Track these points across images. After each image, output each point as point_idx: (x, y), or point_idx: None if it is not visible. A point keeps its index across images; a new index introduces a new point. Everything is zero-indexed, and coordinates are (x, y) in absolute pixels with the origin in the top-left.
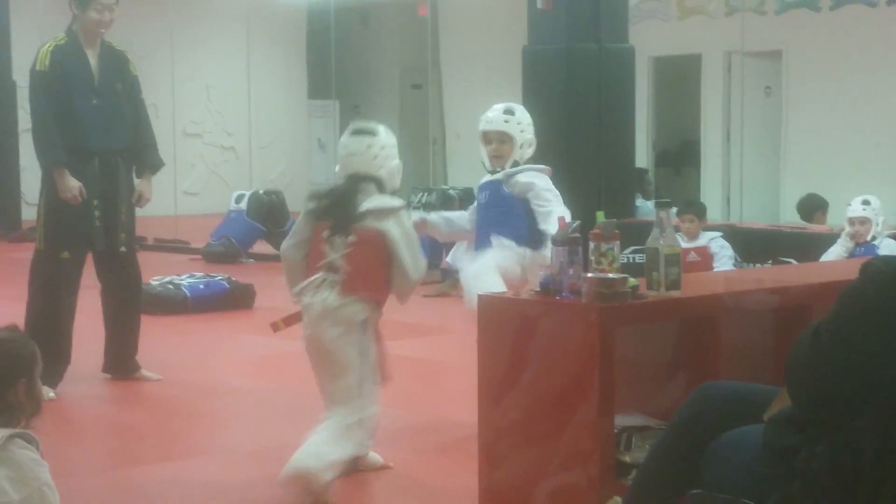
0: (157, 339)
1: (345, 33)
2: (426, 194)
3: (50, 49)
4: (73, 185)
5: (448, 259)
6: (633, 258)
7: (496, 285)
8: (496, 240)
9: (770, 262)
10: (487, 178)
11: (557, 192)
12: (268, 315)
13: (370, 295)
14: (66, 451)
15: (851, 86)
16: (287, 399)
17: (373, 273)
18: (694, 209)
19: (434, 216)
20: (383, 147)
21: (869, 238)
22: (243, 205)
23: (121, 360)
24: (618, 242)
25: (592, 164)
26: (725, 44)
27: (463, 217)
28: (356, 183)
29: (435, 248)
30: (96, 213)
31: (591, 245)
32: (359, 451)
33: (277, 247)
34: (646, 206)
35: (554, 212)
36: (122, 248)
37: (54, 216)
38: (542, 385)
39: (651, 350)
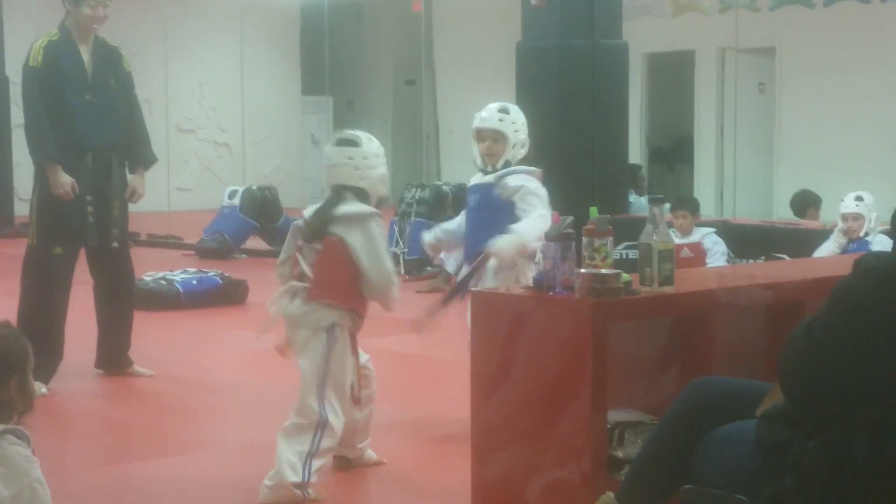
0: (150, 335)
1: (338, 29)
2: (419, 190)
3: (43, 45)
4: (65, 181)
5: (441, 255)
6: (627, 254)
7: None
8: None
9: (763, 257)
10: (478, 179)
11: (545, 196)
12: (261, 311)
13: (334, 302)
14: (58, 447)
15: (845, 82)
16: (279, 395)
17: (337, 280)
18: (687, 205)
19: (437, 232)
20: (365, 157)
21: (862, 234)
22: (236, 201)
23: (113, 356)
24: (611, 238)
25: (586, 160)
26: (719, 40)
27: (461, 225)
28: (339, 194)
29: None
30: (89, 208)
31: (585, 241)
32: (326, 450)
33: (270, 242)
34: (639, 203)
35: (535, 214)
36: (115, 244)
37: (47, 212)
38: (535, 380)
39: (644, 346)
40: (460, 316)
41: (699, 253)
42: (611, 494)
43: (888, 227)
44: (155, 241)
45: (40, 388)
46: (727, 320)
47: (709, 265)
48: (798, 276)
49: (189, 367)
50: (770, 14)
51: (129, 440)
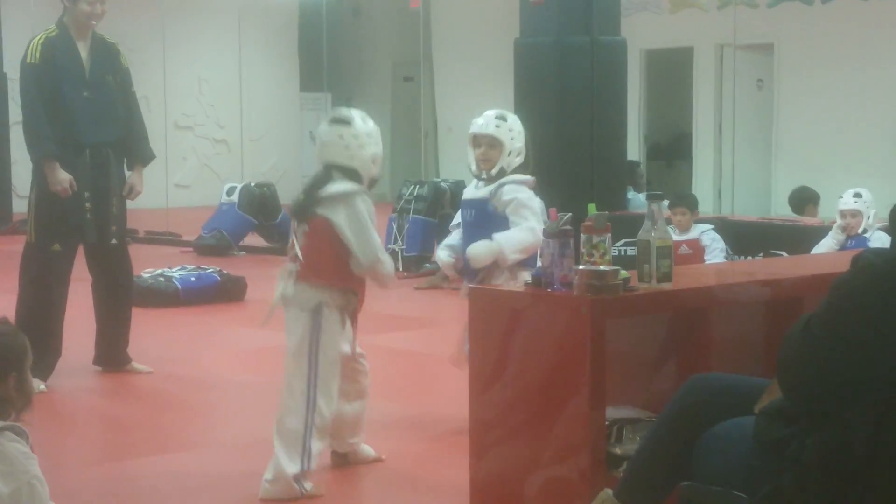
0: (149, 332)
1: (337, 26)
2: (418, 187)
3: (41, 41)
4: (63, 177)
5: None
6: (625, 251)
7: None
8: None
9: (761, 254)
10: (472, 192)
11: (537, 207)
12: (259, 308)
13: (321, 282)
14: (56, 444)
15: (843, 79)
16: (278, 392)
17: (325, 260)
18: (686, 202)
19: (449, 251)
20: (356, 136)
21: (860, 231)
22: (235, 197)
23: (112, 353)
24: (609, 235)
25: (584, 157)
26: (717, 37)
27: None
28: (328, 173)
29: (427, 241)
30: (87, 205)
31: (583, 237)
32: (315, 431)
33: (269, 239)
34: (637, 199)
35: (523, 226)
36: (114, 241)
37: (45, 209)
38: (533, 377)
39: (642, 342)
40: (460, 313)
41: (697, 250)
42: (609, 491)
43: (886, 223)
44: (153, 238)
45: (38, 385)
46: (725, 317)
47: (707, 262)
48: (796, 273)
49: (187, 364)
50: (768, 11)
51: (127, 437)
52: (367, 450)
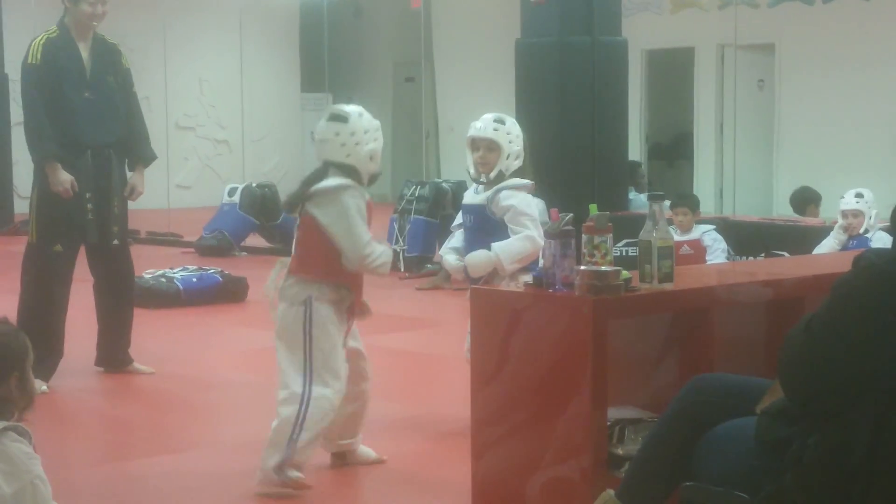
0: (150, 333)
1: (338, 26)
2: (419, 187)
3: (42, 42)
4: (64, 178)
5: (441, 252)
6: (626, 251)
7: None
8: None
9: (763, 254)
10: (471, 197)
11: (535, 212)
12: (261, 309)
13: (310, 277)
14: (58, 445)
15: (844, 79)
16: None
17: (315, 255)
18: (687, 202)
19: (455, 255)
20: (353, 134)
21: (862, 231)
22: (236, 198)
23: (114, 354)
24: (611, 235)
25: (586, 157)
26: (718, 37)
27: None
28: (324, 170)
29: (429, 242)
30: (89, 206)
31: (584, 238)
32: (306, 423)
33: (270, 240)
34: (639, 200)
35: (521, 235)
36: (115, 242)
37: (46, 209)
38: (534, 378)
39: (644, 343)
40: (461, 313)
41: (699, 250)
42: (611, 492)
43: (888, 223)
44: (155, 239)
45: (40, 385)
46: (727, 317)
47: (709, 262)
48: (798, 273)
49: (189, 365)
50: (769, 10)
51: (129, 437)
52: (368, 451)
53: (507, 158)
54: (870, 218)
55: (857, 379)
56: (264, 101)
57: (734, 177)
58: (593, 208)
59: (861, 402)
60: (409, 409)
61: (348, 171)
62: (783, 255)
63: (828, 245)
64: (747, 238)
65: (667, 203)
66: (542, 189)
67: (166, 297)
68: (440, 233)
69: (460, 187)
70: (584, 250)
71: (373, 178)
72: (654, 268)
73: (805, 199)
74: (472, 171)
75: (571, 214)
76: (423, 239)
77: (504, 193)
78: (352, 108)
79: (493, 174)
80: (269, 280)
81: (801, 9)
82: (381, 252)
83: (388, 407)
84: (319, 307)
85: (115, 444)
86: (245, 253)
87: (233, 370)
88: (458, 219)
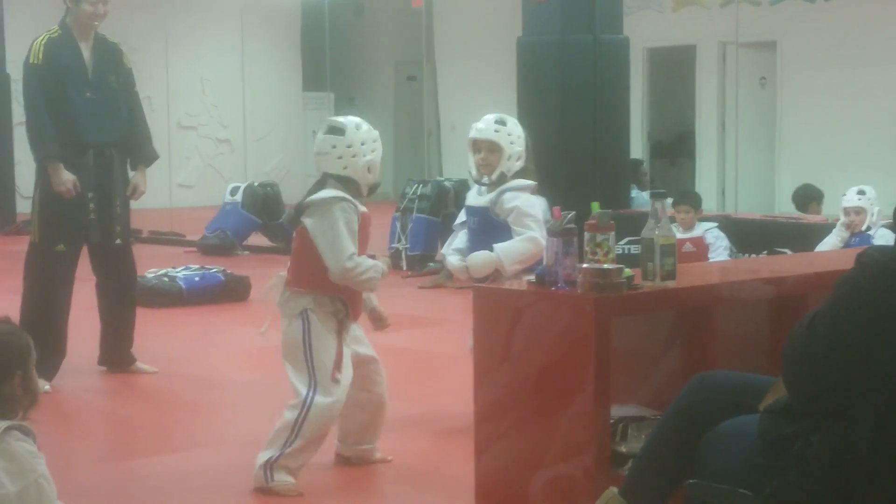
0: (153, 332)
1: (339, 25)
2: (421, 186)
3: (43, 42)
4: (66, 178)
5: (443, 251)
6: (629, 249)
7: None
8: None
9: (765, 252)
10: (474, 198)
11: (539, 213)
12: (263, 308)
13: (304, 289)
14: (62, 444)
15: (846, 76)
16: (282, 391)
17: (308, 267)
18: (689, 200)
19: (458, 256)
20: (349, 146)
21: (864, 228)
22: (238, 197)
23: (116, 353)
24: (613, 233)
25: (587, 156)
26: (720, 34)
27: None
28: (322, 182)
29: (431, 240)
30: (91, 205)
31: (587, 236)
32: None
33: (273, 239)
34: (641, 197)
35: (524, 236)
36: (118, 241)
37: (49, 209)
38: (537, 376)
39: (646, 340)
40: (464, 312)
41: (701, 248)
42: (614, 490)
43: (890, 221)
44: (157, 238)
45: (43, 385)
46: (730, 315)
47: (711, 260)
48: (800, 271)
49: (192, 364)
50: (771, 8)
51: (132, 437)
52: (374, 452)
53: (509, 160)
54: (872, 215)
55: (861, 376)
56: (266, 101)
57: (736, 174)
58: (595, 206)
59: (864, 399)
60: (412, 408)
61: (346, 182)
62: (785, 253)
63: (830, 242)
64: (749, 236)
65: (669, 201)
66: (544, 187)
67: (169, 297)
68: (442, 231)
69: (462, 185)
70: (587, 248)
71: (372, 189)
72: (656, 266)
73: (807, 197)
74: (473, 172)
75: (573, 212)
76: (425, 237)
77: (507, 195)
78: (349, 120)
79: (494, 176)
80: (264, 290)
81: (803, 6)
82: (367, 266)
83: (390, 405)
84: (315, 318)
85: (119, 443)
86: (247, 252)
87: (235, 369)
88: (461, 217)
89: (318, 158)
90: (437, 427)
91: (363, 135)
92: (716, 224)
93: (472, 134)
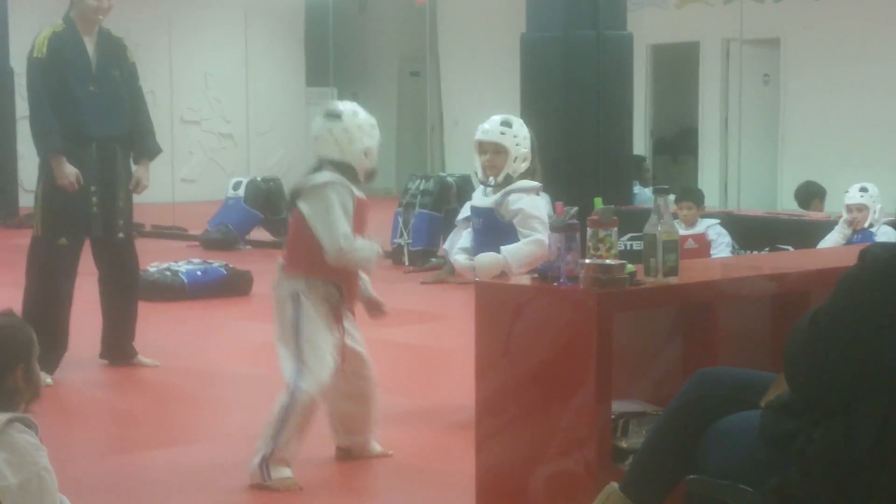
0: (155, 326)
1: (343, 21)
2: (424, 181)
3: (47, 36)
4: (69, 171)
5: (445, 246)
6: (631, 245)
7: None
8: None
9: (767, 249)
10: (479, 198)
11: (544, 214)
12: (265, 302)
13: (297, 272)
14: (63, 437)
15: (850, 73)
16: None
17: (302, 250)
18: (692, 196)
19: (465, 254)
20: (346, 130)
21: (866, 225)
22: (241, 192)
23: (118, 347)
24: (615, 229)
25: (590, 152)
26: (724, 31)
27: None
28: (318, 166)
29: (433, 236)
30: (94, 199)
31: (589, 231)
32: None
33: (275, 234)
34: (643, 194)
35: (530, 239)
36: (120, 235)
37: (51, 203)
38: (539, 371)
39: (648, 336)
40: (465, 307)
41: (704, 244)
42: (615, 485)
43: (893, 217)
44: (159, 232)
45: (45, 378)
46: (732, 311)
47: (713, 256)
48: (803, 267)
49: (194, 358)
50: (775, 5)
51: (134, 430)
52: (374, 446)
53: (515, 161)
54: (874, 212)
55: (863, 373)
56: (269, 96)
57: (739, 171)
58: (598, 202)
59: (866, 396)
60: (414, 402)
61: (343, 167)
62: (788, 250)
63: (832, 239)
64: (752, 232)
65: (671, 197)
66: (547, 183)
67: (171, 291)
68: (444, 227)
69: (465, 181)
70: (589, 244)
71: (369, 175)
72: (658, 261)
73: (810, 194)
74: (479, 174)
75: (576, 208)
76: (427, 233)
77: (513, 197)
78: (346, 106)
79: (500, 178)
80: (272, 285)
81: (807, 3)
82: (361, 246)
83: (392, 400)
84: (307, 302)
85: (120, 437)
86: (250, 247)
87: (237, 363)
88: (464, 212)
89: (316, 143)
90: (438, 422)
91: (360, 120)
92: (718, 221)
93: (478, 136)
